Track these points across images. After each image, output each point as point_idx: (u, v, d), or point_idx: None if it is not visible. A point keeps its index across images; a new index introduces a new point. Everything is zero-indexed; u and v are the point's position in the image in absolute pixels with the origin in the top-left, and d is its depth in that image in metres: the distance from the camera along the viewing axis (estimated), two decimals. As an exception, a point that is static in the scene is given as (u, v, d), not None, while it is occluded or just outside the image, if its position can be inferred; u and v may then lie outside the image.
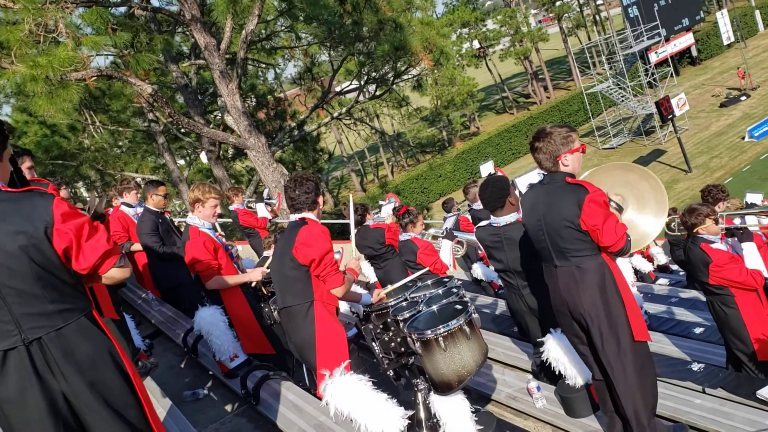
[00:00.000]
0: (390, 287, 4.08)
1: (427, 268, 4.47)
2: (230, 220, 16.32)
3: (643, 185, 3.75)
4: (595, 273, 3.19)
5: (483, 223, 4.62)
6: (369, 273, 7.56)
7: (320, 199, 3.83)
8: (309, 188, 3.76)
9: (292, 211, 3.81)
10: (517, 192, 5.47)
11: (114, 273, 2.42)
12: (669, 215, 10.27)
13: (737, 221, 6.09)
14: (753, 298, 4.66)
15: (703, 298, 7.14)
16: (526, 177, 5.93)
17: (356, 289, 4.24)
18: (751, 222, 5.83)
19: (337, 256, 6.57)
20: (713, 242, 4.68)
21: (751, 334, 4.62)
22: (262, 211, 8.87)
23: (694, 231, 4.71)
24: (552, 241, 3.27)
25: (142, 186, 6.86)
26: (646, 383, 3.30)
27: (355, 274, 3.94)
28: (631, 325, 3.23)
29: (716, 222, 4.76)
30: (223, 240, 5.02)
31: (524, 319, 4.59)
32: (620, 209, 3.46)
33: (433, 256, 6.00)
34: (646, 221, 3.74)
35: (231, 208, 8.99)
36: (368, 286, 7.27)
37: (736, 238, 4.91)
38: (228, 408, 4.62)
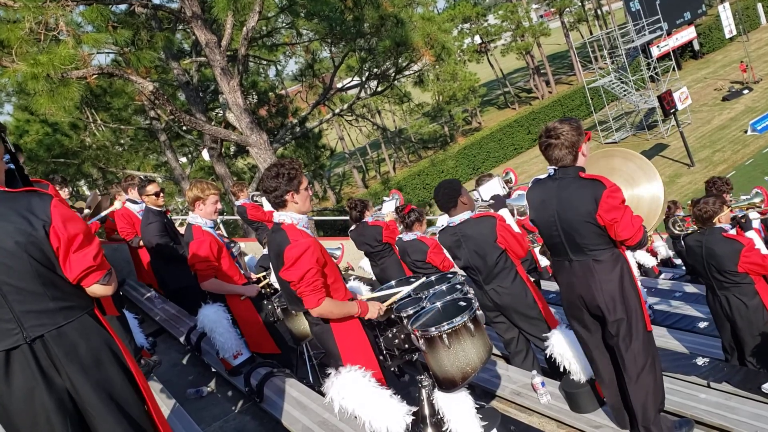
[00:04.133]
0: (389, 300, 3.81)
1: (423, 279, 4.29)
2: (233, 217, 16.40)
3: (629, 167, 3.74)
4: (612, 265, 3.18)
5: (443, 225, 4.68)
6: (370, 270, 7.56)
7: (289, 197, 3.38)
8: (274, 186, 3.35)
9: (271, 204, 3.49)
10: (479, 200, 5.52)
11: (95, 289, 2.40)
12: (669, 208, 10.28)
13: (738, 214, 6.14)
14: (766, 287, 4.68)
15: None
16: (488, 186, 5.85)
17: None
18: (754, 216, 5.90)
19: (338, 252, 6.58)
20: (728, 230, 4.67)
21: None
22: (268, 205, 8.88)
23: (714, 220, 4.65)
24: (567, 237, 3.22)
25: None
26: (656, 378, 3.30)
27: (364, 310, 3.56)
28: (645, 316, 3.25)
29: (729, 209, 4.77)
30: (224, 238, 5.00)
31: (493, 316, 4.65)
32: None
33: (441, 254, 5.99)
34: (643, 200, 3.74)
35: (238, 203, 9.00)
36: (371, 283, 7.27)
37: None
38: (232, 405, 4.62)
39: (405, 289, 3.87)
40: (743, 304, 4.65)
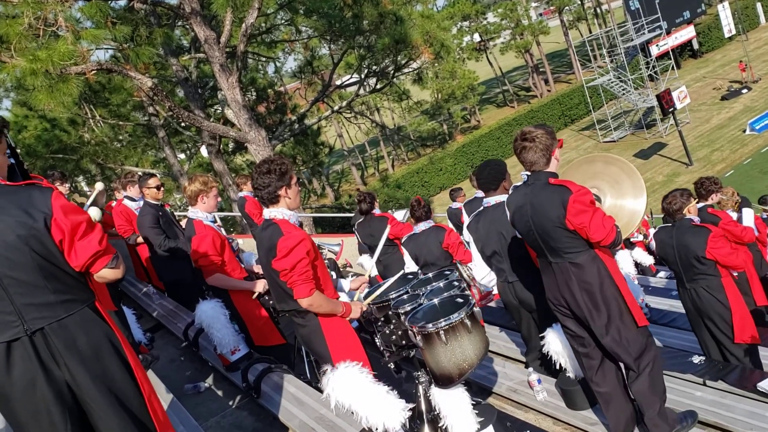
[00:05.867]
0: (369, 299, 3.84)
1: (401, 272, 4.23)
2: (231, 213, 16.37)
3: (611, 170, 3.79)
4: (589, 267, 3.20)
5: (479, 209, 4.58)
6: (369, 266, 7.55)
7: (282, 192, 3.41)
8: (266, 182, 3.38)
9: (262, 202, 3.54)
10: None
11: (105, 273, 2.42)
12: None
13: (733, 215, 6.23)
14: (734, 282, 4.86)
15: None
16: None
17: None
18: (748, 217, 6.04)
19: (336, 248, 6.56)
20: (696, 221, 4.89)
21: (734, 317, 4.75)
22: None
23: (684, 212, 4.87)
24: (544, 241, 3.27)
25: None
26: (656, 371, 3.32)
27: (348, 312, 3.58)
28: (633, 313, 3.25)
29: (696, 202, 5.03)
30: (223, 232, 5.01)
31: (517, 314, 4.54)
32: (599, 200, 3.49)
33: (458, 238, 5.94)
34: (627, 203, 3.79)
35: (240, 194, 9.02)
36: (370, 281, 7.26)
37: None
38: (229, 401, 4.63)
39: (385, 285, 3.91)
40: (714, 299, 4.79)
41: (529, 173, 3.32)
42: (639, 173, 3.84)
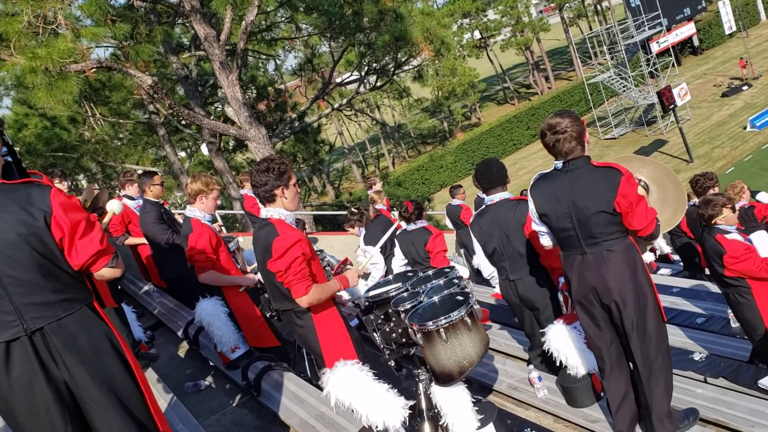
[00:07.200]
0: (364, 263, 3.94)
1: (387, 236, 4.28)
2: (231, 211, 16.36)
3: (660, 178, 3.76)
4: (626, 255, 3.17)
5: (482, 206, 4.56)
6: (372, 254, 7.55)
7: (279, 192, 3.41)
8: (264, 180, 3.38)
9: (259, 200, 3.54)
10: None
11: (105, 272, 2.43)
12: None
13: (744, 202, 6.09)
14: None
15: (705, 288, 7.15)
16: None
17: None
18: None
19: (335, 262, 6.56)
20: (729, 232, 4.64)
21: (767, 325, 4.59)
22: None
23: (712, 222, 4.69)
24: (582, 228, 3.19)
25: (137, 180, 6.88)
26: (669, 369, 3.31)
27: (345, 283, 3.64)
28: (659, 306, 3.24)
29: (733, 210, 4.75)
30: (223, 231, 5.00)
31: (519, 312, 4.54)
32: (647, 188, 3.50)
33: (442, 244, 5.99)
34: (665, 213, 3.74)
35: (242, 192, 9.05)
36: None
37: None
38: (229, 399, 4.63)
39: (374, 250, 3.97)
40: (744, 308, 4.65)
41: (564, 161, 3.23)
42: (684, 191, 3.80)
